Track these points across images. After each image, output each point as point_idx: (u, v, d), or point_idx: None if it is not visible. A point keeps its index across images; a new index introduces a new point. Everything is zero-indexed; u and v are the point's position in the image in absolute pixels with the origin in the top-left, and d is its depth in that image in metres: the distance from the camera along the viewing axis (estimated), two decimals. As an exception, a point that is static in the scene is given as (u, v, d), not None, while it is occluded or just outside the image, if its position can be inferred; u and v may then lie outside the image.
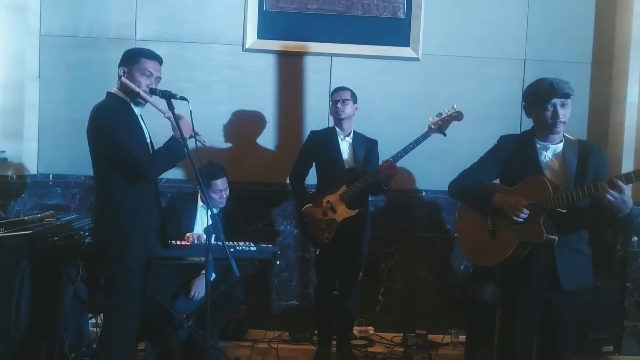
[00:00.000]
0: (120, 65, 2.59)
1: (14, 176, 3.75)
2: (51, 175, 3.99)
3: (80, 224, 3.23)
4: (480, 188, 2.49)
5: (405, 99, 4.05)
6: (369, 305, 4.04)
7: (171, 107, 2.48)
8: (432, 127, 3.21)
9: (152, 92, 2.54)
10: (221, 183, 3.34)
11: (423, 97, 4.02)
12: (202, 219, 3.43)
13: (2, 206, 3.72)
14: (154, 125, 2.74)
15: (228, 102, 4.03)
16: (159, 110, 2.55)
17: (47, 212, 3.22)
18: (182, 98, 2.48)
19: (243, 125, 4.05)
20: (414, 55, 4.03)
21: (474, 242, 2.57)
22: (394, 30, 4.02)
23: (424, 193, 4.07)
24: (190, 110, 2.46)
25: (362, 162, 3.41)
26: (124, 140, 2.44)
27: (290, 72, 4.05)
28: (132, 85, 2.51)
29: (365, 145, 3.48)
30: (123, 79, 2.54)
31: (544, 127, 2.38)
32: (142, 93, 2.51)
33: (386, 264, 4.09)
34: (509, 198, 2.33)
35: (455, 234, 2.85)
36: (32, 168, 3.92)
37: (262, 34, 3.99)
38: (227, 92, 4.03)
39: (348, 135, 3.47)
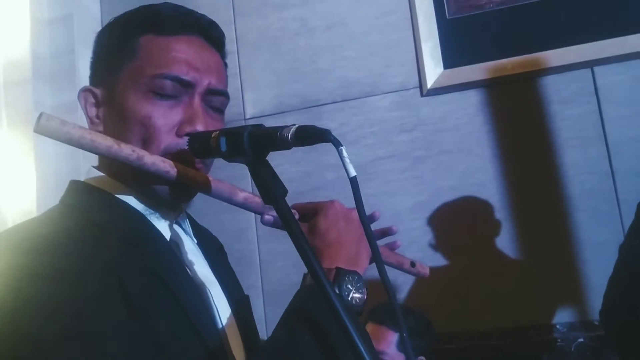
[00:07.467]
0: (90, 82, 0.87)
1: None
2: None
3: None
4: None
5: None
6: None
7: (277, 188, 0.70)
8: None
9: (202, 152, 0.77)
10: None
11: None
12: None
13: None
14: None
15: (413, 190, 2.21)
16: (238, 205, 0.80)
17: None
18: (321, 137, 0.68)
19: (449, 226, 2.18)
20: None
21: None
22: None
23: None
24: (354, 177, 0.69)
25: None
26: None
27: (517, 109, 2.18)
28: (113, 148, 0.71)
29: None
30: (74, 130, 0.68)
31: None
32: (158, 165, 0.72)
33: None
34: None
35: None
36: None
37: (451, 59, 2.23)
38: (408, 172, 2.23)
39: None
